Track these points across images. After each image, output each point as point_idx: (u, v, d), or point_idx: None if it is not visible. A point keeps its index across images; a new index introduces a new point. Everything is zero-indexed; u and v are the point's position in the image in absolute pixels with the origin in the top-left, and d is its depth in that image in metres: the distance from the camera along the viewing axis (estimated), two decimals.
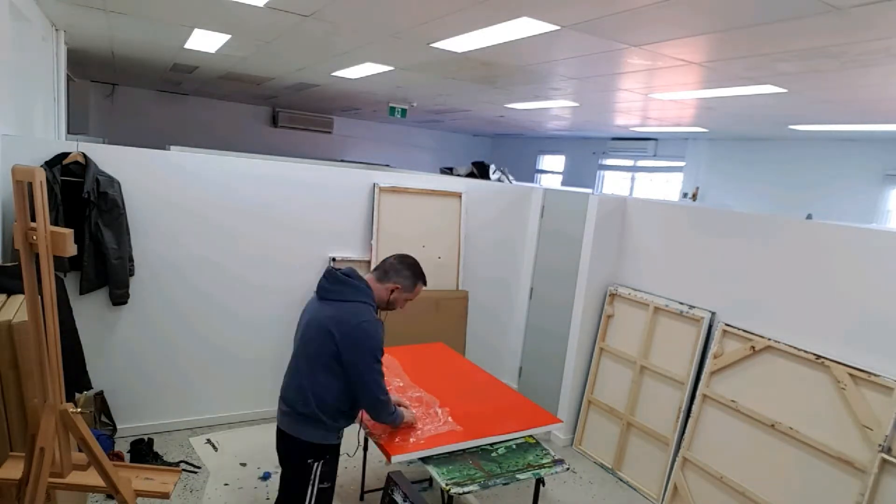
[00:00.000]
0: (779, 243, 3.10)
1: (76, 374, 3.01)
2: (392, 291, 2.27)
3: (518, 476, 2.36)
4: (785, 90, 4.28)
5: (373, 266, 4.17)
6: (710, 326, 3.39)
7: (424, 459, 2.40)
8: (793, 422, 2.83)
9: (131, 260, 3.42)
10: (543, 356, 4.62)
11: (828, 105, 4.70)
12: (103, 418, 3.49)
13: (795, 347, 2.88)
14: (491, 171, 6.16)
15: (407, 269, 2.31)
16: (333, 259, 4.07)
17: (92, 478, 1.99)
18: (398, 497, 2.29)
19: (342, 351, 2.08)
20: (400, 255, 2.35)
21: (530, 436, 2.63)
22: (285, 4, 3.46)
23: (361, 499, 3.23)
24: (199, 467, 3.36)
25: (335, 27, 3.90)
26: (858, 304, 2.73)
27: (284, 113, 11.04)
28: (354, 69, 5.52)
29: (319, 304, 2.20)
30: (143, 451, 3.31)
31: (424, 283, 2.39)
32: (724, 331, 3.24)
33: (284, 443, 2.25)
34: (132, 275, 3.45)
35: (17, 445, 2.20)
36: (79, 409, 1.87)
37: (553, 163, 11.86)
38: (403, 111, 8.29)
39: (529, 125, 9.47)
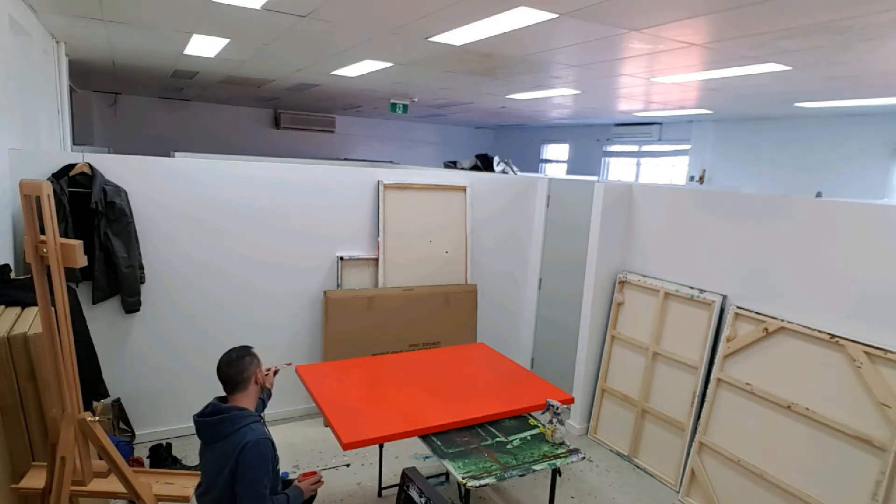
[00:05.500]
0: (788, 223, 3.07)
1: (92, 383, 3.04)
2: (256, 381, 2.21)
3: (534, 467, 2.37)
4: (789, 67, 4.22)
5: (380, 264, 4.19)
6: (722, 310, 3.36)
7: (440, 454, 2.41)
8: (809, 402, 2.81)
9: (141, 268, 3.45)
10: (555, 346, 4.61)
11: (833, 81, 4.63)
12: (121, 425, 3.53)
13: (809, 328, 2.85)
14: (495, 164, 6.13)
15: (237, 363, 2.19)
16: (342, 258, 4.09)
17: (113, 484, 2.02)
18: (414, 493, 2.30)
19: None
20: (221, 362, 2.23)
21: (537, 420, 2.63)
22: (282, 5, 3.45)
23: (380, 495, 3.25)
24: None
25: (332, 26, 3.89)
26: (872, 282, 2.70)
27: (286, 114, 11.06)
28: (354, 67, 5.51)
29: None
30: (163, 456, 3.35)
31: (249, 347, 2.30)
32: (737, 314, 3.22)
33: None
34: (143, 282, 3.48)
35: (38, 455, 2.23)
36: (97, 418, 1.89)
37: (557, 152, 11.80)
38: (405, 107, 8.27)
39: (532, 115, 9.41)
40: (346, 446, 2.40)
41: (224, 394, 2.22)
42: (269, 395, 2.56)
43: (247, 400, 2.17)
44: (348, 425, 2.51)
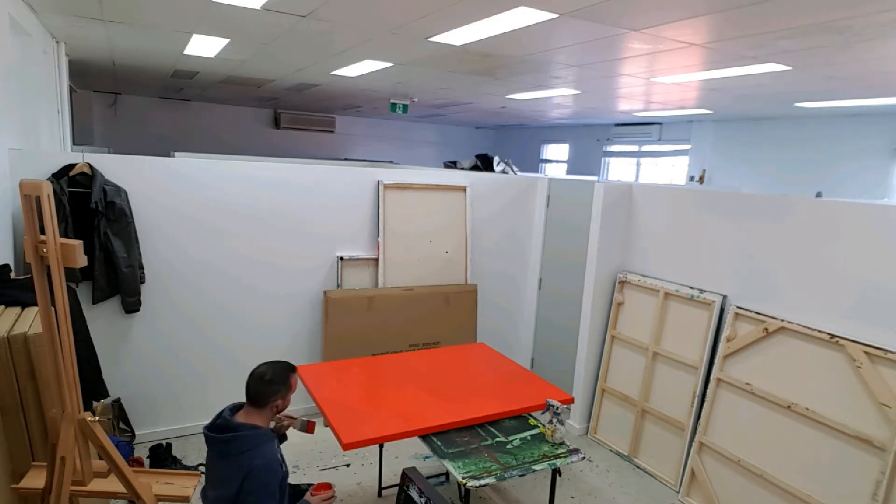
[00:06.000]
0: (789, 223, 3.07)
1: (92, 383, 3.04)
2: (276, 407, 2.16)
3: (534, 467, 2.37)
4: (789, 67, 4.22)
5: (380, 264, 4.19)
6: (722, 310, 3.36)
7: (440, 454, 2.41)
8: (809, 402, 2.81)
9: (141, 268, 3.45)
10: (555, 346, 4.61)
11: (833, 81, 4.63)
12: (121, 425, 3.53)
13: (809, 328, 2.85)
14: (495, 164, 6.13)
15: (264, 386, 2.12)
16: (342, 258, 4.09)
17: (113, 484, 2.02)
18: (414, 493, 2.30)
19: None
20: (254, 373, 2.17)
21: (538, 421, 2.64)
22: (282, 5, 3.45)
23: (380, 495, 3.25)
24: None
25: (332, 26, 3.89)
26: (872, 282, 2.70)
27: (286, 114, 11.06)
28: (354, 67, 5.51)
29: None
30: (163, 456, 3.35)
31: (293, 370, 2.23)
32: (737, 314, 3.22)
33: None
34: (143, 282, 3.48)
35: (38, 455, 2.23)
36: (97, 418, 1.89)
37: (557, 152, 11.80)
38: (405, 107, 8.27)
39: (532, 115, 9.41)
40: (346, 446, 2.40)
41: (236, 402, 2.19)
42: (282, 439, 2.37)
43: (260, 418, 2.13)
44: (348, 425, 2.51)
